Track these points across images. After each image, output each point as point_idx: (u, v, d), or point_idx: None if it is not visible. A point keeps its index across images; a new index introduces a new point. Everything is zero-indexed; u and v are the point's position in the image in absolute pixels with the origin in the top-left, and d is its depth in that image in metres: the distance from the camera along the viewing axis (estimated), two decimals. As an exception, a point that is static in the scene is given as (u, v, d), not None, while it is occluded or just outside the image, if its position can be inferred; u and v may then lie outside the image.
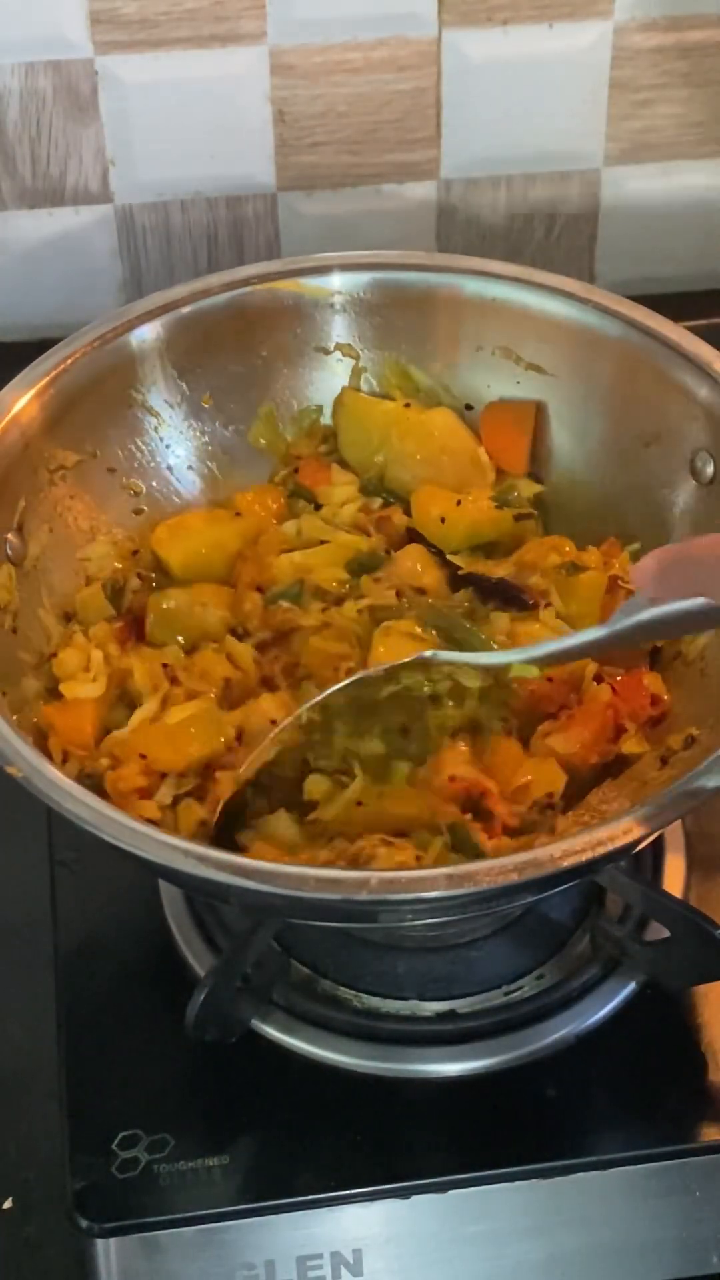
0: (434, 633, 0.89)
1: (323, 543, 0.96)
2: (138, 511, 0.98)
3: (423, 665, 0.86)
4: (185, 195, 1.23)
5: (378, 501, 0.99)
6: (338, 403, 1.02)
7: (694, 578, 0.68)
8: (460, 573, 0.94)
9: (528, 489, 0.98)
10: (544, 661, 0.83)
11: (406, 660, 0.85)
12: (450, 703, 0.87)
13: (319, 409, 1.02)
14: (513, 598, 0.92)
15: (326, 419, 1.02)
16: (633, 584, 0.70)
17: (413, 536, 0.97)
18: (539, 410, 0.99)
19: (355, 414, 1.01)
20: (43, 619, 0.91)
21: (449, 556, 0.95)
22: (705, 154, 1.26)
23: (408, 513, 0.98)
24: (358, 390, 1.02)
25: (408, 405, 1.00)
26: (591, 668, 0.89)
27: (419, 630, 0.89)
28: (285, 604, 0.93)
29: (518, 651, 0.84)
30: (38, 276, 1.25)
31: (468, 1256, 0.81)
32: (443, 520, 0.96)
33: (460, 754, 0.85)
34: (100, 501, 0.96)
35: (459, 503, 0.96)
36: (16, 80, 1.16)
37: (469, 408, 1.01)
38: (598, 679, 0.89)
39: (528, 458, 1.00)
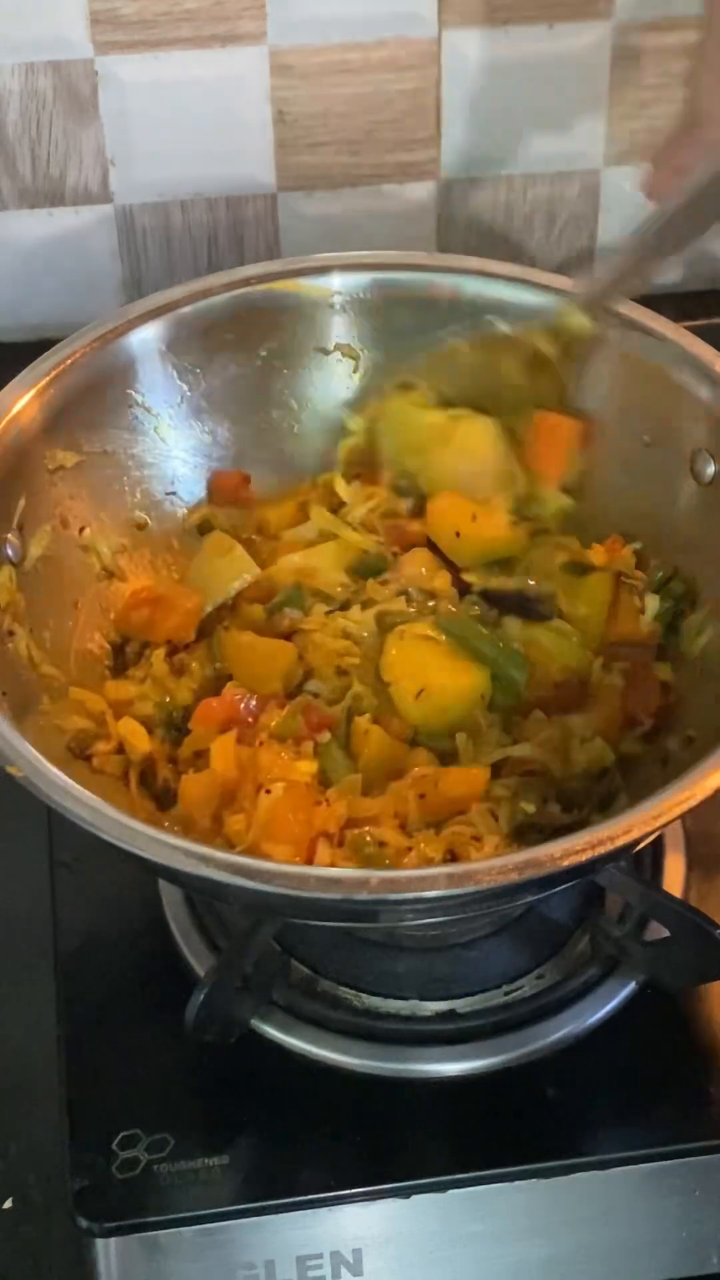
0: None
1: (334, 537, 0.96)
2: (139, 511, 0.98)
3: None
4: (185, 195, 1.23)
5: (405, 503, 0.98)
6: (379, 409, 0.99)
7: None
8: (475, 589, 0.94)
9: (554, 502, 0.96)
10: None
11: None
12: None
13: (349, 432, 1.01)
14: (529, 610, 0.92)
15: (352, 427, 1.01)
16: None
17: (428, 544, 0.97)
18: (591, 429, 0.96)
19: (397, 421, 0.98)
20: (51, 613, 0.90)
21: (462, 575, 0.95)
22: (705, 154, 1.26)
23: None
24: (402, 394, 0.99)
25: (450, 415, 0.97)
26: (600, 659, 0.90)
27: (432, 633, 0.89)
28: (288, 611, 0.93)
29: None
30: (38, 276, 1.25)
31: (468, 1256, 0.81)
32: (458, 535, 0.95)
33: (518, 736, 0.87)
34: (101, 502, 0.96)
35: (474, 517, 0.94)
36: (16, 80, 1.16)
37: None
38: (606, 668, 0.90)
39: (565, 476, 0.96)
